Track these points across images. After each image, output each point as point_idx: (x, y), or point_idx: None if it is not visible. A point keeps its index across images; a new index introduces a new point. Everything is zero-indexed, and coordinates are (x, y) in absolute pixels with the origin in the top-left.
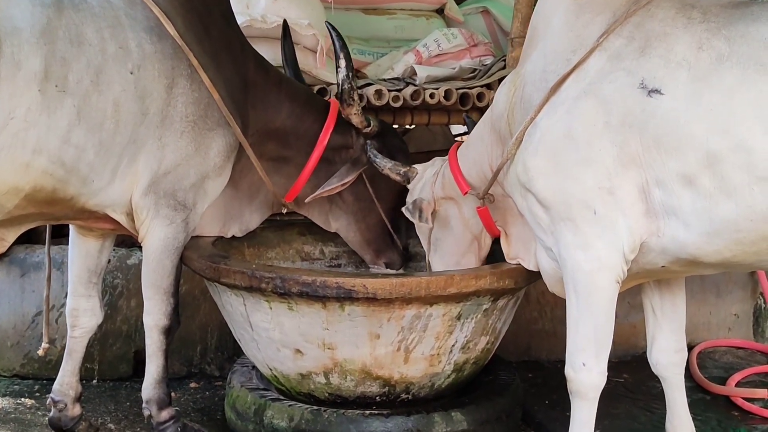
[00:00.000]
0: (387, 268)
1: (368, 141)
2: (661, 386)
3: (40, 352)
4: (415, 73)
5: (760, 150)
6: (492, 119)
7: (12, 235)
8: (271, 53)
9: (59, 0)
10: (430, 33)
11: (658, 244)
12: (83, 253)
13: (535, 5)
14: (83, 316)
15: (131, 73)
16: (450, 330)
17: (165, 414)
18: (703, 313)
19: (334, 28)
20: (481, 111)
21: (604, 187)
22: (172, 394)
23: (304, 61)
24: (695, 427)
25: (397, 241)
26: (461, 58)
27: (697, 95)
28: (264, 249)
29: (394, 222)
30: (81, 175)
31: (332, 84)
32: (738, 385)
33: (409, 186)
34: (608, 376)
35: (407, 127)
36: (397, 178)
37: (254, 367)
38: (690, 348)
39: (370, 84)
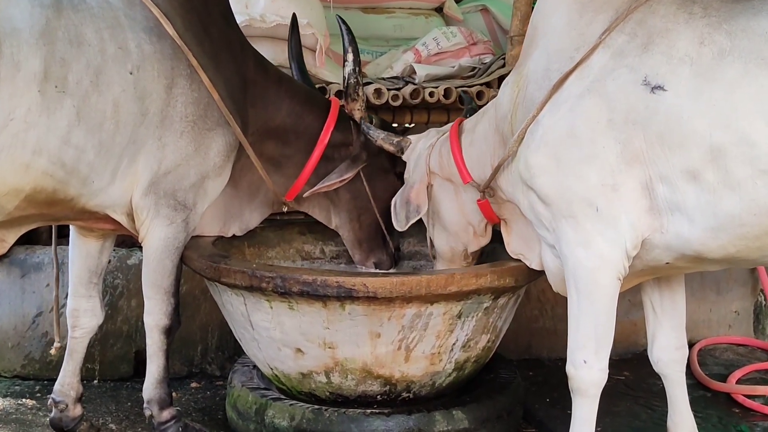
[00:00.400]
0: (376, 268)
1: (362, 120)
2: (662, 384)
3: (53, 351)
4: (414, 72)
5: (762, 143)
6: (497, 120)
7: (12, 236)
8: (271, 52)
9: (58, 1)
10: (430, 31)
11: (663, 240)
12: (84, 253)
13: (534, 4)
14: (84, 316)
15: (131, 74)
16: (451, 328)
17: (166, 414)
18: (704, 311)
19: (344, 22)
20: None
21: (608, 184)
22: (173, 394)
23: None
24: (696, 424)
25: (389, 241)
26: (460, 57)
27: (700, 90)
28: (264, 248)
29: (387, 222)
30: (81, 175)
31: (331, 83)
32: (739, 382)
33: (403, 157)
34: (609, 374)
35: (407, 125)
36: (390, 148)
37: (255, 366)
38: (690, 345)
39: (369, 83)
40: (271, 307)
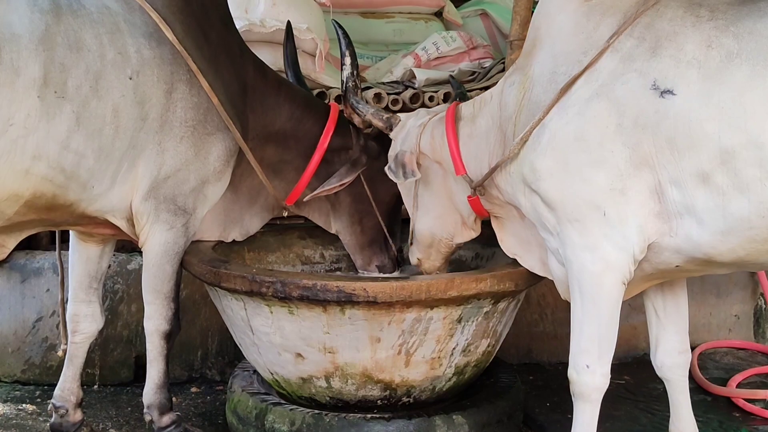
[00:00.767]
0: (379, 272)
1: (349, 89)
2: (662, 388)
3: (59, 353)
4: (414, 76)
5: None
6: (501, 120)
7: (12, 241)
8: (270, 57)
9: (58, 6)
10: (429, 36)
11: (672, 243)
12: (84, 258)
13: (534, 8)
14: (84, 321)
15: (130, 79)
16: (451, 333)
17: (166, 419)
18: (704, 314)
19: (340, 26)
20: None
21: (616, 188)
22: (174, 398)
23: (303, 65)
24: (697, 428)
25: (392, 245)
26: (460, 61)
27: (709, 93)
28: (264, 253)
29: (390, 225)
30: (81, 180)
31: (331, 88)
32: (739, 386)
33: (391, 134)
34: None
35: None
36: (380, 124)
37: (255, 371)
38: (691, 349)
39: (369, 87)
40: (271, 312)
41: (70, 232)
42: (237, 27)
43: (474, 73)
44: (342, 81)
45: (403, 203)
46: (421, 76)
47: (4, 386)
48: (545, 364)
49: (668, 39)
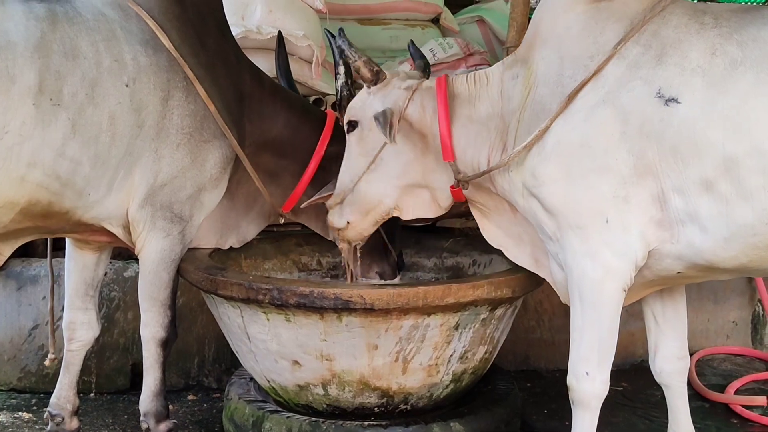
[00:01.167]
0: (380, 278)
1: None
2: (660, 394)
3: (47, 362)
4: None
5: None
6: (503, 111)
7: (8, 249)
8: (267, 64)
9: (54, 13)
10: (426, 43)
11: (674, 250)
12: (80, 266)
13: (531, 14)
14: (80, 329)
15: (126, 86)
16: (448, 340)
17: (163, 427)
18: (701, 321)
19: (332, 35)
20: None
21: (619, 196)
22: (170, 406)
23: (299, 71)
24: None
25: (392, 250)
26: (457, 68)
27: (713, 102)
28: (261, 260)
29: (388, 231)
30: (77, 188)
31: (328, 94)
32: (737, 392)
33: (371, 88)
34: None
35: None
36: (367, 74)
37: (252, 378)
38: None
39: None
40: (268, 320)
41: (66, 239)
42: (233, 34)
43: None
44: (336, 90)
45: None
46: None
47: (0, 394)
48: (543, 371)
49: (673, 46)
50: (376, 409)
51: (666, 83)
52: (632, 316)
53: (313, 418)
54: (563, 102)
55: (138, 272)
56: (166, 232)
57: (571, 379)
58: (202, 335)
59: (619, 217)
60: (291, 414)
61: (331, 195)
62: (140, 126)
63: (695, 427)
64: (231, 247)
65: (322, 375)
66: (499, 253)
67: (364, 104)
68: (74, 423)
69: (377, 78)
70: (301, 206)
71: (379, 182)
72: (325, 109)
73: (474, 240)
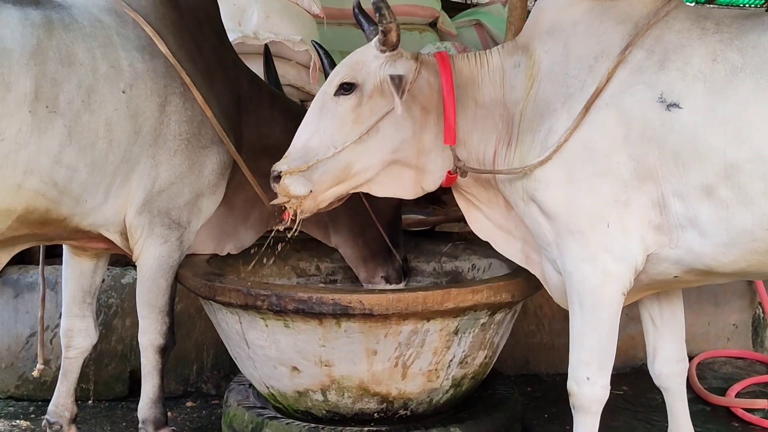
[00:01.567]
0: (385, 282)
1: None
2: (661, 398)
3: (35, 373)
4: None
5: None
6: (505, 99)
7: (5, 256)
8: None
9: (50, 20)
10: (424, 47)
11: (672, 254)
12: (77, 273)
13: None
14: (78, 336)
15: (123, 92)
16: (447, 345)
17: None
18: (702, 324)
19: (321, 47)
20: None
21: (620, 200)
22: (169, 413)
23: (297, 76)
24: None
25: (396, 255)
26: None
27: (714, 107)
28: (259, 266)
29: (392, 236)
30: (74, 195)
31: None
32: (738, 395)
33: (386, 52)
34: None
35: None
36: (394, 38)
37: (251, 385)
38: (689, 359)
39: None
40: (267, 326)
41: (63, 246)
42: (230, 39)
43: None
44: None
45: (401, 212)
46: None
47: None
48: (543, 375)
49: (676, 52)
50: (375, 414)
51: (668, 88)
52: (632, 319)
53: (313, 425)
54: (574, 121)
55: (136, 279)
56: (163, 238)
57: (571, 385)
58: (200, 342)
59: (619, 222)
60: (290, 420)
61: (333, 203)
62: (137, 132)
63: (696, 431)
64: (229, 254)
65: (321, 381)
66: (498, 257)
67: (369, 67)
68: (72, 431)
69: (396, 46)
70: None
71: (367, 154)
72: None
73: (473, 244)
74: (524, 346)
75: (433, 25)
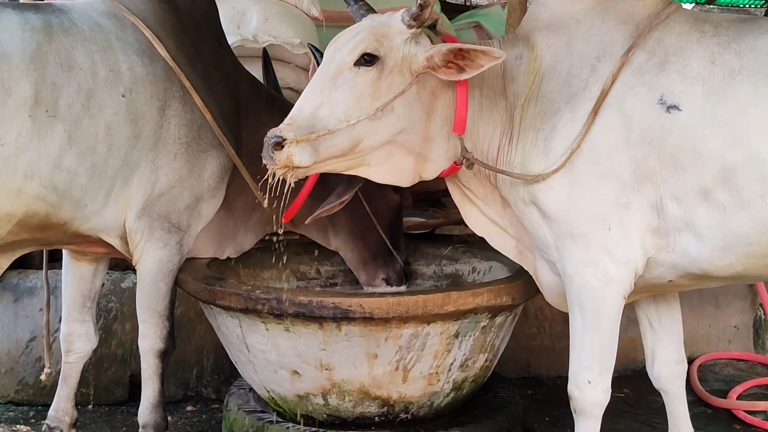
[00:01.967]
0: (386, 284)
1: None
2: (662, 401)
3: (43, 377)
4: None
5: None
6: (506, 91)
7: (5, 261)
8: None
9: (49, 25)
10: None
11: (668, 259)
12: (77, 277)
13: None
14: (78, 340)
15: (123, 96)
16: (448, 348)
17: None
18: (703, 326)
19: (317, 50)
20: None
21: (621, 203)
22: (169, 417)
23: (296, 79)
24: None
25: (397, 257)
26: None
27: (712, 110)
28: (259, 270)
29: (392, 238)
30: (74, 199)
31: None
32: (739, 397)
33: (413, 28)
34: None
35: None
36: (426, 15)
37: (251, 389)
38: (690, 361)
39: None
40: (267, 329)
41: (63, 251)
42: (229, 42)
43: None
44: None
45: (402, 215)
46: None
47: None
48: (544, 378)
49: (675, 54)
50: (376, 418)
51: (668, 90)
52: (632, 321)
53: (314, 428)
54: (581, 130)
55: (135, 283)
56: (163, 242)
57: (572, 388)
58: (200, 346)
59: (620, 225)
60: (291, 424)
61: (334, 207)
62: (137, 136)
63: None
64: (229, 257)
65: (321, 385)
66: (499, 260)
67: (393, 41)
68: None
69: (422, 23)
70: (306, 222)
71: (378, 132)
72: None
73: (473, 247)
74: (525, 348)
75: (432, 27)
